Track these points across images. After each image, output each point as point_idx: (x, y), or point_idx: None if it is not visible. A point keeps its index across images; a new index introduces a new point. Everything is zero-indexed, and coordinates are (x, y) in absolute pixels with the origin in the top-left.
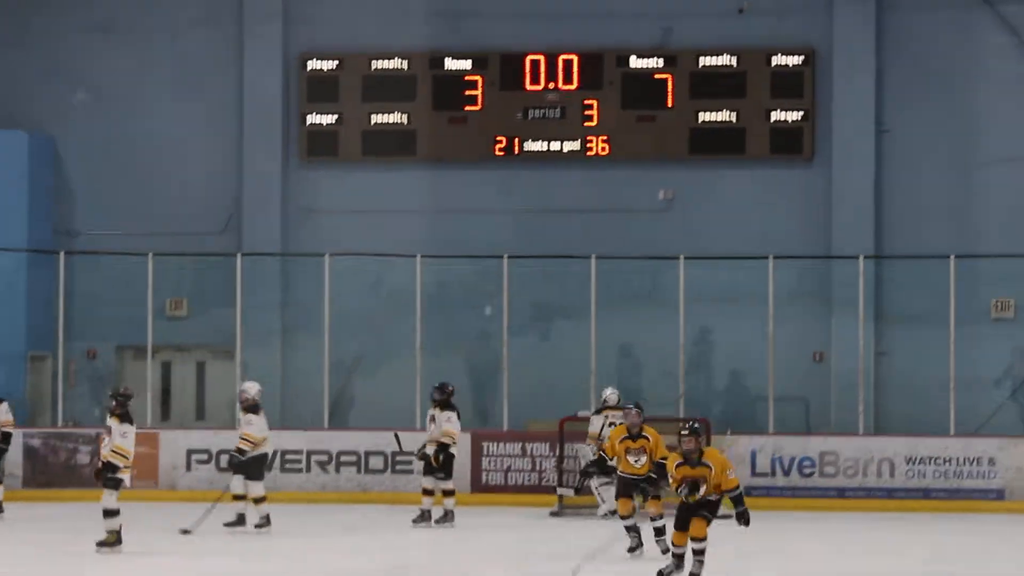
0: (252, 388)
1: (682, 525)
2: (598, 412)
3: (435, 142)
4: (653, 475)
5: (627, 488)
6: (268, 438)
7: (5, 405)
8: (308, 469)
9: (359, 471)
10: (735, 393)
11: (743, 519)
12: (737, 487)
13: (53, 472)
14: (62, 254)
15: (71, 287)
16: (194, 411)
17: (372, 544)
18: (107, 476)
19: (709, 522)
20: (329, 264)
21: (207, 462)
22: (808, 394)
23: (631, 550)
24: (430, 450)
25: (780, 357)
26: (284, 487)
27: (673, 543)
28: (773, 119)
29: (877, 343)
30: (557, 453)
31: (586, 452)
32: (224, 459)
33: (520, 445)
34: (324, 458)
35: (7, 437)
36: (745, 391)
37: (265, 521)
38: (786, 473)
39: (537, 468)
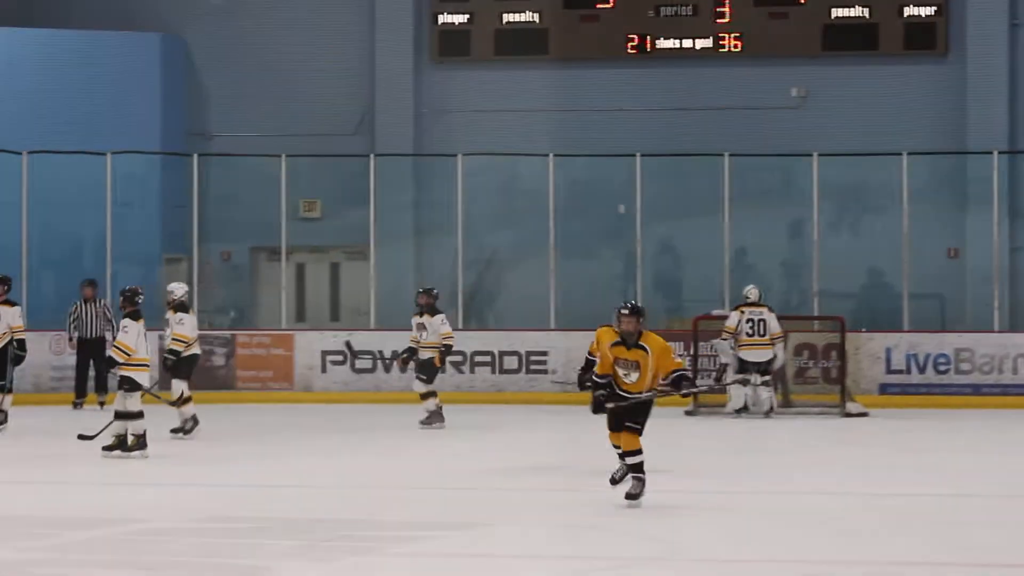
0: (179, 289)
1: (616, 426)
2: (736, 308)
3: (566, 41)
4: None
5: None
6: (197, 338)
7: (17, 309)
8: (443, 370)
9: (493, 371)
10: (869, 291)
11: (677, 386)
12: (683, 369)
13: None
14: (195, 156)
15: (205, 189)
16: (328, 312)
17: (508, 442)
18: (121, 377)
19: (639, 432)
20: (461, 164)
21: (342, 363)
22: (943, 291)
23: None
24: (424, 355)
25: (915, 254)
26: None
27: (612, 443)
28: (906, 14)
29: (1012, 238)
30: (692, 352)
31: (723, 347)
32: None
33: None
34: (459, 359)
35: (22, 344)
36: (879, 289)
37: (193, 423)
38: (921, 370)
39: None
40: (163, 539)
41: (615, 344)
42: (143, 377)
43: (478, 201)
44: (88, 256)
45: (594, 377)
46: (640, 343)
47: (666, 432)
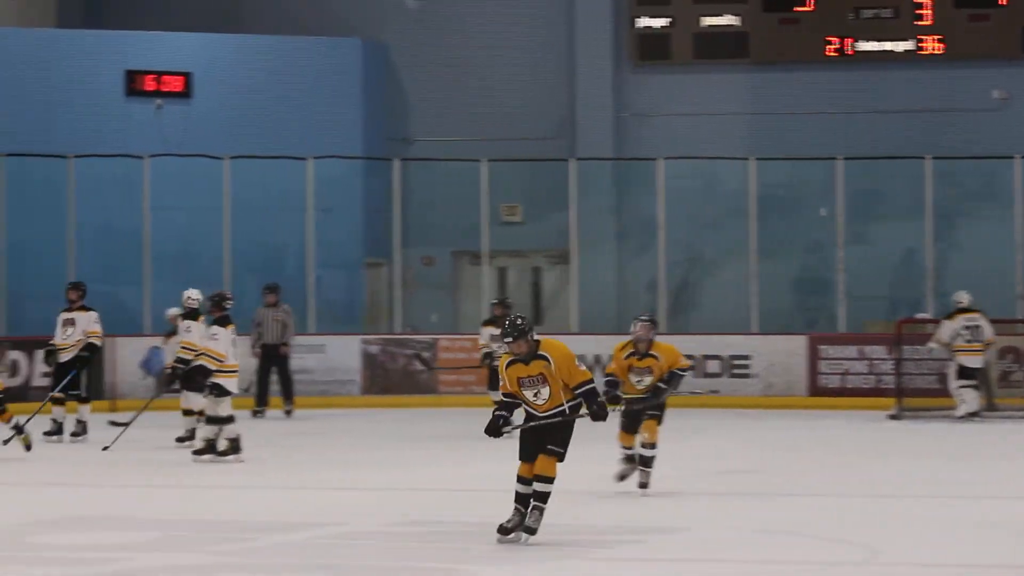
0: (196, 294)
1: (630, 427)
2: (950, 316)
3: (766, 44)
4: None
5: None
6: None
7: (94, 314)
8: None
9: (695, 375)
10: None
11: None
12: (687, 369)
13: (391, 379)
14: (396, 161)
15: (406, 194)
16: (529, 316)
17: (707, 446)
18: (207, 383)
19: (659, 421)
20: (663, 168)
21: None
22: None
23: (621, 477)
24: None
25: None
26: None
27: (621, 444)
28: None
29: None
30: (896, 355)
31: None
32: None
33: (856, 348)
34: None
35: (93, 347)
36: None
37: (190, 435)
38: None
39: (874, 371)
40: (355, 543)
41: (629, 355)
42: (231, 383)
43: (678, 204)
44: (289, 261)
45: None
46: (651, 352)
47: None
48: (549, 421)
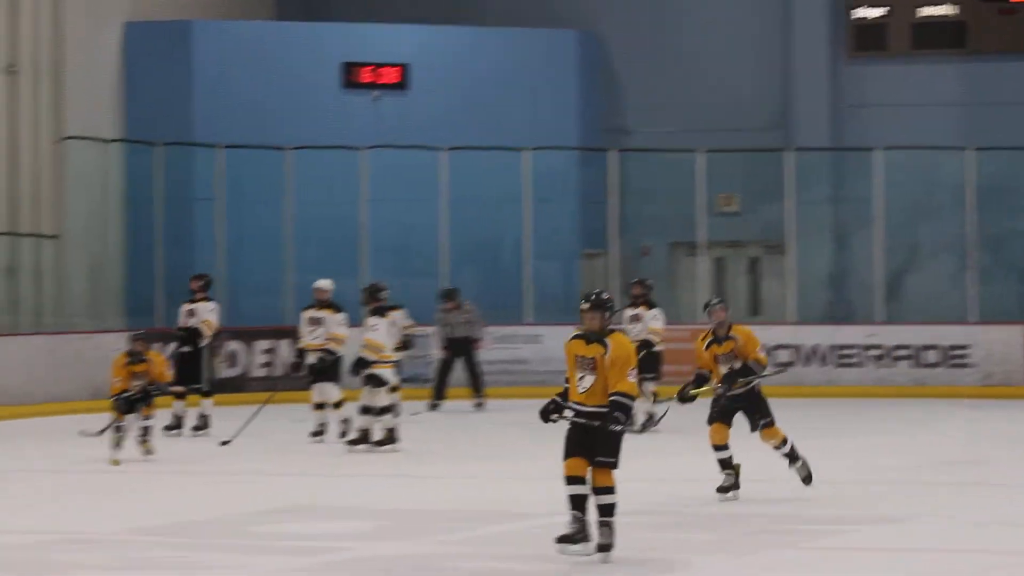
0: (329, 284)
1: (721, 418)
2: None
3: (984, 34)
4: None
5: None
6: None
7: (403, 312)
8: (863, 364)
9: (914, 365)
10: None
11: (730, 380)
12: (763, 365)
13: None
14: (613, 152)
15: (623, 184)
16: (747, 307)
17: (924, 436)
18: (365, 373)
19: (773, 422)
20: (881, 159)
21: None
22: None
23: (723, 489)
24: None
25: None
26: (840, 381)
27: (713, 445)
28: None
29: None
30: None
31: None
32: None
33: None
34: (879, 352)
35: (408, 342)
36: None
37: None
38: None
39: None
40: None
41: (710, 344)
42: (388, 373)
43: (895, 195)
44: (505, 252)
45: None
46: (730, 334)
47: None
48: (590, 423)
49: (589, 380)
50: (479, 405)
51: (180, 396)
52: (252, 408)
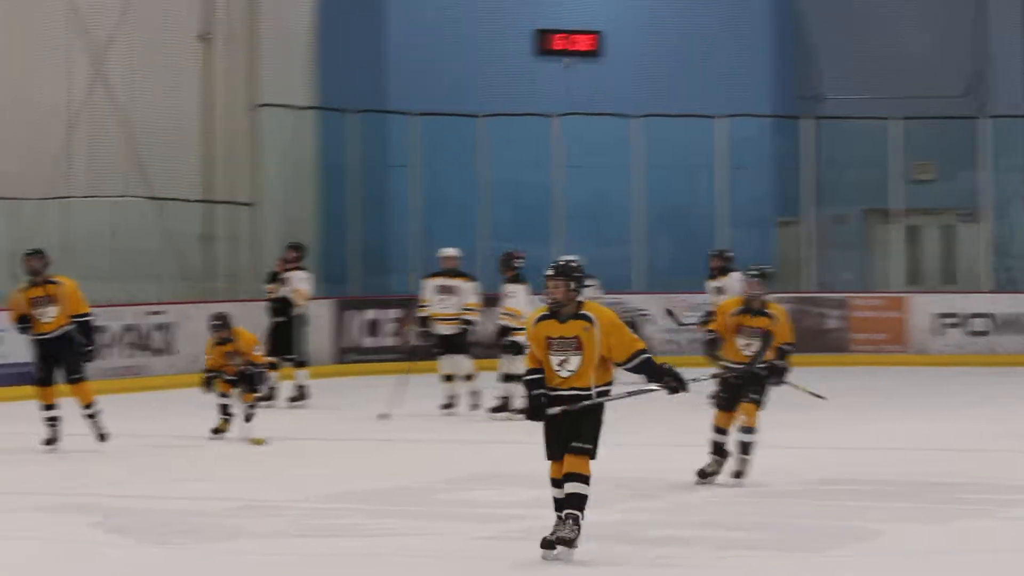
0: (456, 251)
1: (727, 404)
2: None
3: None
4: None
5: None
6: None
7: (595, 282)
8: None
9: None
10: None
11: (769, 376)
12: (793, 345)
13: (803, 337)
14: (807, 119)
15: (817, 152)
16: (941, 275)
17: None
18: (505, 341)
19: (759, 406)
20: None
21: (957, 326)
22: None
23: (705, 475)
24: None
25: None
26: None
27: (715, 426)
28: None
29: None
30: None
31: None
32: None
33: None
34: None
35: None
36: None
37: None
38: None
39: None
40: (765, 501)
41: (738, 312)
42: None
43: None
44: (698, 220)
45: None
46: (766, 310)
47: None
48: (583, 404)
49: (575, 361)
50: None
51: (273, 367)
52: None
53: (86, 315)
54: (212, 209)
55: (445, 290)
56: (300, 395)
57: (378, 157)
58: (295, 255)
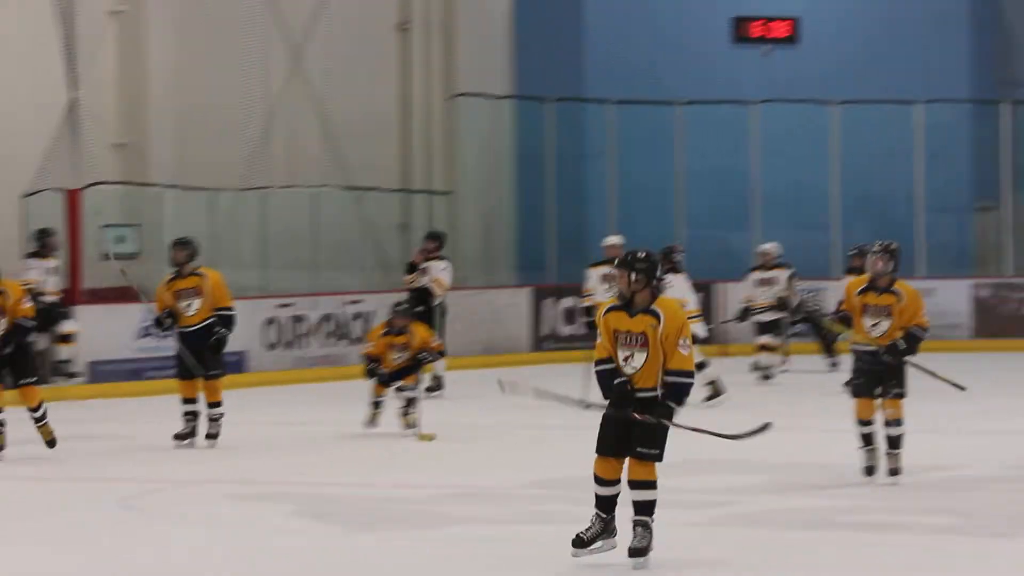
0: (620, 240)
1: (866, 390)
2: None
3: None
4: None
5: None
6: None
7: (790, 271)
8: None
9: None
10: None
11: (893, 353)
12: (926, 329)
13: (1001, 323)
14: (1005, 103)
15: (1016, 137)
16: None
17: None
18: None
19: (902, 396)
20: None
21: None
22: None
23: (868, 471)
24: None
25: None
26: None
27: (858, 418)
28: None
29: None
30: None
31: None
32: None
33: None
34: None
35: (785, 302)
36: None
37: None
38: None
39: None
40: (975, 488)
41: (863, 291)
42: (699, 327)
43: None
44: (897, 207)
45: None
46: (893, 288)
47: None
48: (649, 421)
49: (640, 359)
50: (834, 366)
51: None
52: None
53: (229, 309)
54: (410, 198)
55: (609, 279)
56: (437, 385)
57: (575, 145)
58: (434, 245)
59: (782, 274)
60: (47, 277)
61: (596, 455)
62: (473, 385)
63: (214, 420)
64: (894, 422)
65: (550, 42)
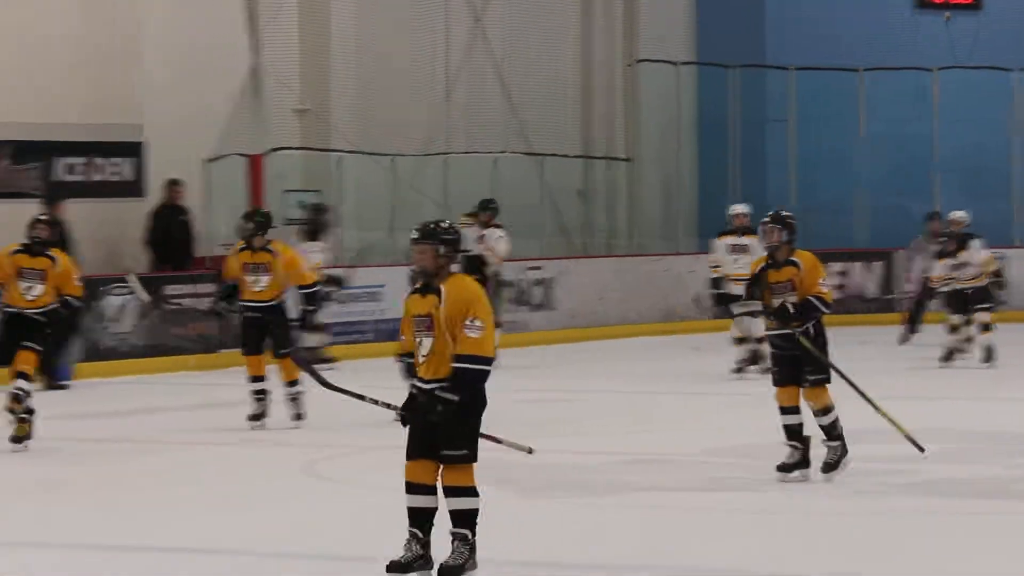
0: (747, 208)
1: (786, 378)
2: None
3: None
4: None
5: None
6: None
7: (978, 242)
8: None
9: None
10: None
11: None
12: (828, 302)
13: None
14: None
15: None
16: None
17: None
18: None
19: (824, 382)
20: None
21: None
22: None
23: (786, 468)
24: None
25: None
26: None
27: (780, 404)
28: None
29: None
30: None
31: None
32: None
33: None
34: None
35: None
36: None
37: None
38: None
39: None
40: None
41: (764, 268)
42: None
43: None
44: None
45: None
46: (791, 259)
47: None
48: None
49: (428, 344)
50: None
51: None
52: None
53: (310, 286)
54: (590, 165)
55: (737, 249)
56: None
57: (756, 112)
58: (488, 214)
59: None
60: (321, 255)
61: (407, 460)
62: (654, 350)
63: (293, 399)
64: (821, 411)
65: (731, 8)
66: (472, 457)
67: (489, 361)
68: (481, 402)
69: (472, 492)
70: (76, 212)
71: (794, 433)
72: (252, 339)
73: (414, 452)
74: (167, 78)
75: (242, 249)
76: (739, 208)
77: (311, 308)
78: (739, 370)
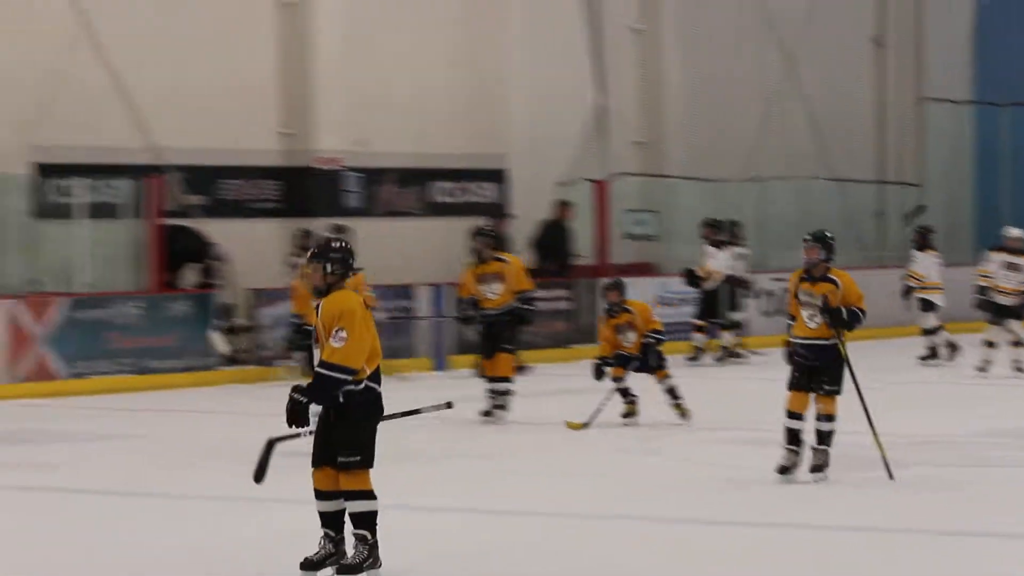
0: (1020, 233)
1: (802, 383)
2: None
3: None
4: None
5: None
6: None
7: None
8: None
9: None
10: None
11: (835, 317)
12: (861, 315)
13: None
14: None
15: None
16: None
17: None
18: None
19: (834, 394)
20: None
21: None
22: None
23: (785, 470)
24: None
25: None
26: None
27: (788, 410)
28: None
29: None
30: None
31: None
32: None
33: None
34: None
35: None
36: None
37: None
38: None
39: None
40: None
41: (801, 280)
42: (936, 298)
43: None
44: None
45: None
46: (829, 276)
47: None
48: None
49: (317, 354)
50: None
51: (699, 329)
52: None
53: (530, 291)
54: (884, 189)
55: (1011, 267)
56: (729, 355)
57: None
58: (710, 231)
59: None
60: (734, 262)
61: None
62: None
63: (496, 394)
64: (825, 417)
65: (1010, 50)
66: (366, 462)
67: (347, 370)
68: (374, 411)
69: (369, 495)
70: (449, 228)
71: (795, 438)
72: (488, 344)
73: (317, 461)
74: (526, 115)
75: (477, 263)
76: (1014, 232)
77: (529, 308)
78: (981, 369)
